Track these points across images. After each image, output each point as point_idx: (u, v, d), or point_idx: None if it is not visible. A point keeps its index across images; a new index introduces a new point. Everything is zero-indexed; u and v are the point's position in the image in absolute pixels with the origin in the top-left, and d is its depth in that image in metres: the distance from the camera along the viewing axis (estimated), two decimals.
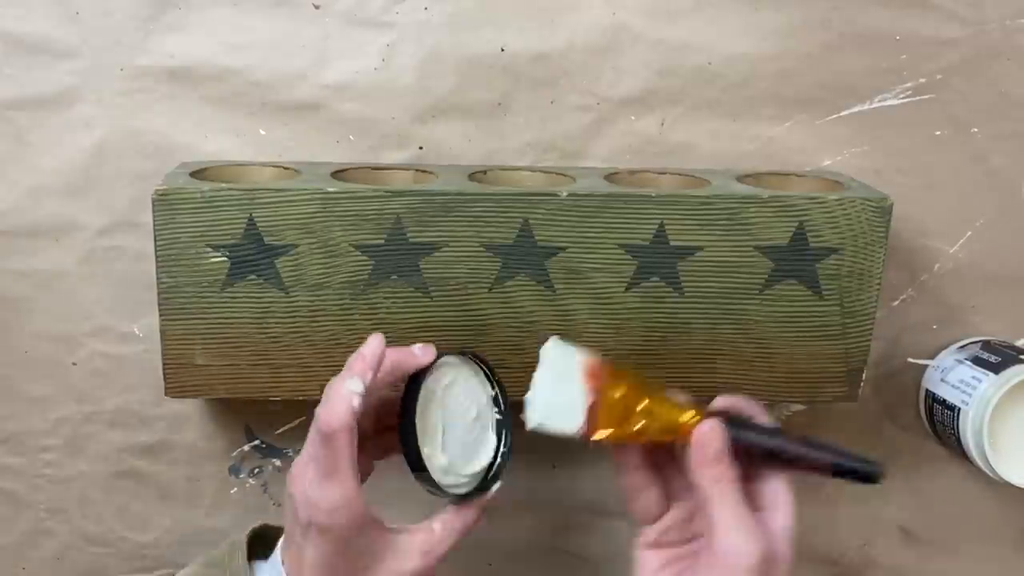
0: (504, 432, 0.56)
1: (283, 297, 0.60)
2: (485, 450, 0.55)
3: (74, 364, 0.67)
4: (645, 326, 0.61)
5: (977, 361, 0.66)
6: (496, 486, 0.55)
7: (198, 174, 0.61)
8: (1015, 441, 0.64)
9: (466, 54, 0.65)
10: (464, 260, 0.60)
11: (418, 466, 0.52)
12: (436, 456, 0.53)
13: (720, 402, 0.54)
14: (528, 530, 0.72)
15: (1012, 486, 0.64)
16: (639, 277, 0.60)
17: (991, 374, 0.64)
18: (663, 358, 0.62)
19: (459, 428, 0.55)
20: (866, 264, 0.61)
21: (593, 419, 0.53)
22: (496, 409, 0.57)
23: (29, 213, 0.65)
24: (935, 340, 0.70)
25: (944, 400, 0.67)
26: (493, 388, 0.57)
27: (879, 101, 0.67)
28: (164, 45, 0.64)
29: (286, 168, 0.64)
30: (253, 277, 0.59)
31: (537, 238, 0.59)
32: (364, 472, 0.55)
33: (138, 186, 0.65)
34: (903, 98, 0.67)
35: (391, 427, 0.53)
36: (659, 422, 0.52)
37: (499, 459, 0.56)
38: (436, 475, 0.52)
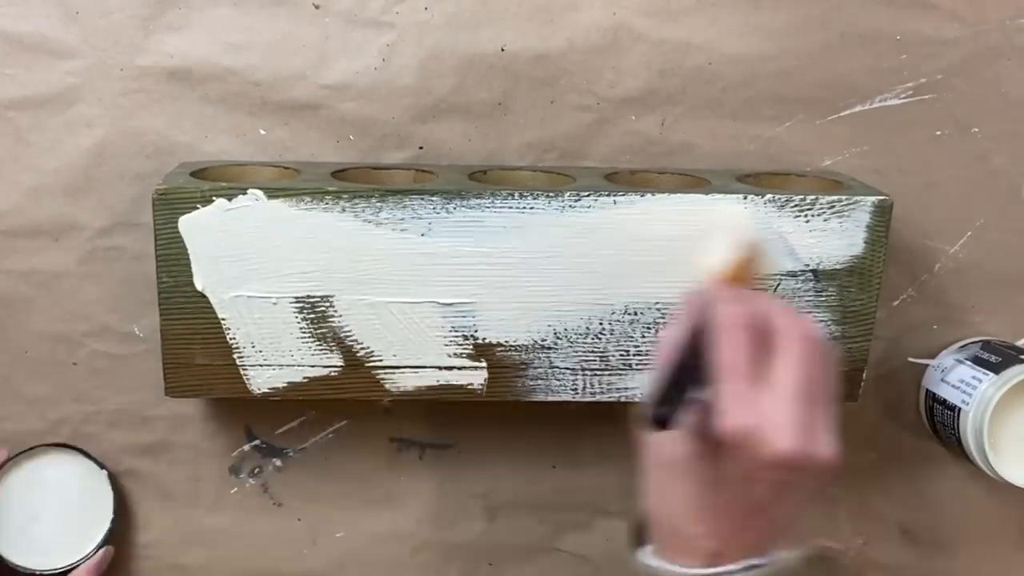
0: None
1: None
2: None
3: (74, 364, 0.67)
4: None
5: (977, 361, 0.66)
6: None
7: (198, 174, 0.61)
8: (1015, 441, 0.64)
9: (466, 54, 0.65)
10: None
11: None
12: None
13: None
14: (528, 530, 0.72)
15: (1012, 486, 0.64)
16: None
17: (991, 374, 0.64)
18: None
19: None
20: (866, 264, 0.61)
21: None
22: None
23: (29, 213, 0.65)
24: (935, 340, 0.70)
25: (944, 400, 0.67)
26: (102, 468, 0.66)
27: (879, 101, 0.67)
28: (164, 45, 0.64)
29: (286, 168, 0.64)
30: None
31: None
32: None
33: (138, 186, 0.65)
34: (903, 98, 0.67)
35: None
36: None
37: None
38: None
